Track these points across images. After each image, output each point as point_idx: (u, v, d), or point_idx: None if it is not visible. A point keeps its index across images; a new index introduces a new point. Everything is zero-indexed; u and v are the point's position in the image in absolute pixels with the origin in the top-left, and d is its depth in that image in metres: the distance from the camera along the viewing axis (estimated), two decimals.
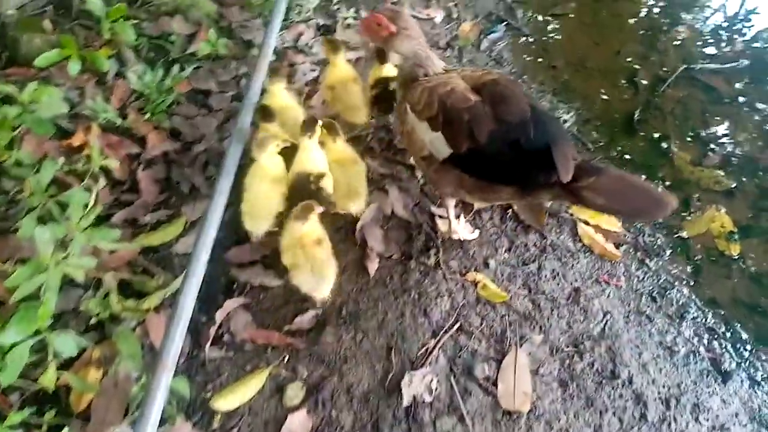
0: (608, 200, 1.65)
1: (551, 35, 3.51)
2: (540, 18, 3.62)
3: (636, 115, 3.03)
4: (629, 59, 3.38)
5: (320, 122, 2.26)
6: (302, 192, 2.11)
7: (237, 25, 3.18)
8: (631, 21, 3.65)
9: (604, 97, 3.16)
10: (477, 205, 2.46)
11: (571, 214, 2.51)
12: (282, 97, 2.52)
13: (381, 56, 2.57)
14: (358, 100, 2.52)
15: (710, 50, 3.48)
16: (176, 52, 2.95)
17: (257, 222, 2.15)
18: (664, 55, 3.41)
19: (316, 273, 1.96)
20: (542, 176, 1.67)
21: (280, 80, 2.54)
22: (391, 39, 2.07)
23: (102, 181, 2.34)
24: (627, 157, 2.86)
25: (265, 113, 2.37)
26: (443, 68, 2.13)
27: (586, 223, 2.49)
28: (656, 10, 3.77)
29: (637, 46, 3.47)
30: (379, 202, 2.44)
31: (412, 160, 2.60)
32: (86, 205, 2.19)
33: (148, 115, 2.66)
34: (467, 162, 1.84)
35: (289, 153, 2.27)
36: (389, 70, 2.55)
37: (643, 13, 3.72)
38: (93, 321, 1.99)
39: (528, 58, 3.35)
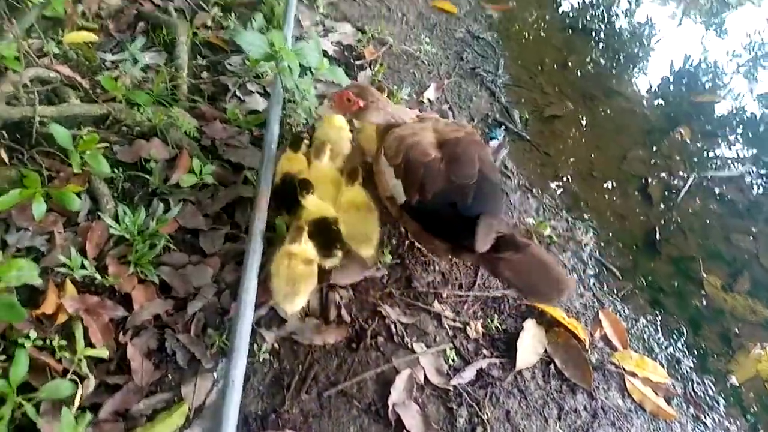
0: (514, 276, 1.84)
1: (552, 140, 3.35)
2: (537, 120, 3.46)
3: (656, 235, 2.87)
4: (636, 166, 3.25)
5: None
6: (325, 235, 2.18)
7: (221, 143, 2.86)
8: (629, 121, 3.55)
9: (619, 212, 3.00)
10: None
11: (617, 366, 2.29)
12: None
13: (296, 144, 2.52)
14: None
15: (715, 154, 3.40)
16: (156, 181, 2.59)
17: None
18: (671, 161, 3.31)
19: (292, 284, 2.04)
20: (467, 241, 1.81)
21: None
22: (361, 112, 2.29)
23: (91, 381, 1.95)
24: (655, 285, 2.69)
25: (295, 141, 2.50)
26: (417, 116, 2.35)
27: (634, 375, 2.28)
28: (651, 108, 3.69)
29: (640, 150, 3.36)
30: (410, 366, 2.16)
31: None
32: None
33: (131, 267, 2.28)
34: (414, 211, 2.04)
35: None
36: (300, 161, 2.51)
37: (638, 112, 3.63)
38: None
39: (533, 168, 3.17)
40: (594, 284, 2.64)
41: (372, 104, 2.28)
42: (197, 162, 2.61)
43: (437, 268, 2.53)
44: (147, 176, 2.59)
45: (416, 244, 2.55)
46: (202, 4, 3.64)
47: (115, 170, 2.57)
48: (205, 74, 3.28)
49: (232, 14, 3.59)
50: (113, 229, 2.35)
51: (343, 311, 2.29)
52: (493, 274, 1.93)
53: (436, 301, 2.40)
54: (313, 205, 2.27)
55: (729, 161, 3.37)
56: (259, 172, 2.52)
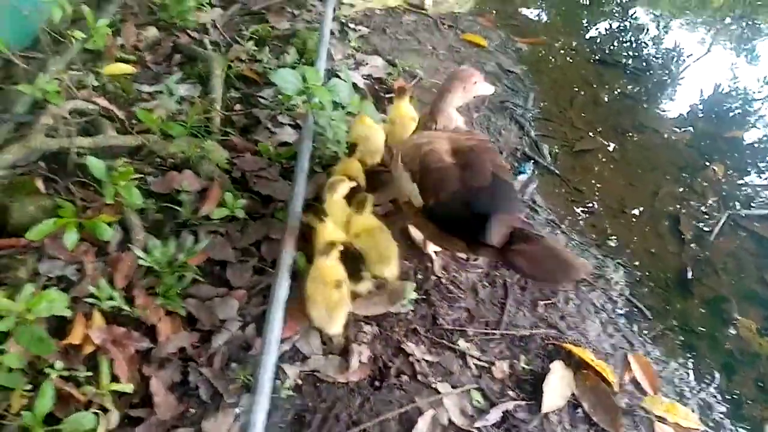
0: (529, 265, 1.90)
1: (582, 174, 3.32)
2: (567, 155, 3.43)
3: (689, 274, 2.80)
4: (668, 203, 3.20)
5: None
6: (348, 259, 2.31)
7: (251, 174, 2.90)
8: (661, 156, 3.49)
9: (651, 250, 2.94)
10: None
11: (647, 412, 2.23)
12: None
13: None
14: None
15: (749, 191, 3.32)
16: (186, 212, 2.63)
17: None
18: (704, 198, 3.24)
19: (329, 312, 2.16)
20: (483, 237, 1.91)
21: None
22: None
23: (114, 415, 1.96)
24: (687, 326, 2.62)
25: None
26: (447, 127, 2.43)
27: (663, 420, 2.21)
28: (683, 142, 3.63)
29: (673, 186, 3.31)
30: (433, 407, 2.12)
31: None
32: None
33: (159, 299, 2.31)
34: (431, 213, 2.14)
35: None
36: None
37: (671, 147, 3.57)
38: None
39: (562, 203, 3.13)
40: (624, 324, 2.58)
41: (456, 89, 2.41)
42: (229, 195, 2.64)
43: (463, 304, 2.51)
44: (177, 207, 2.62)
45: (442, 279, 2.55)
46: (237, 38, 3.73)
47: (147, 201, 2.61)
48: (238, 106, 3.34)
49: (266, 48, 3.66)
50: (142, 260, 2.39)
51: (367, 348, 2.27)
52: (509, 266, 1.99)
53: (461, 339, 2.37)
54: (332, 230, 2.40)
55: (763, 198, 3.28)
56: (288, 207, 2.54)
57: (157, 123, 2.90)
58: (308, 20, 4.07)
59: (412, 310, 2.44)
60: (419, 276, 2.58)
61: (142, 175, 2.77)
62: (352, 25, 4.07)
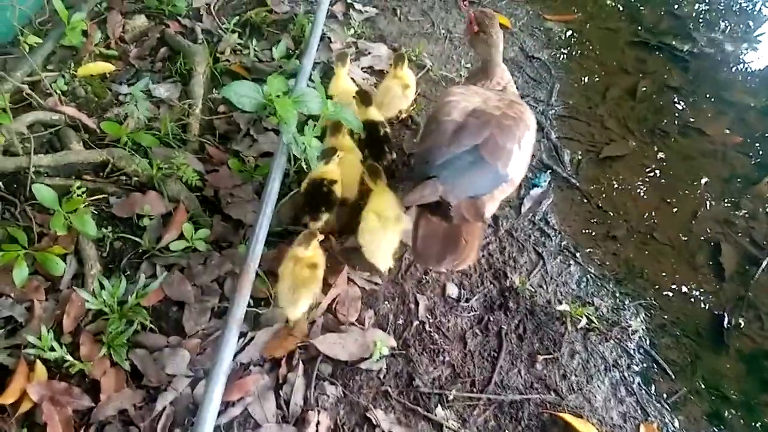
0: (421, 237, 1.91)
1: (607, 188, 2.86)
2: (592, 162, 2.96)
3: (725, 320, 2.37)
4: (709, 227, 2.71)
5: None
6: (315, 195, 2.29)
7: (225, 193, 2.61)
8: (706, 167, 2.97)
9: (681, 288, 2.50)
10: None
11: None
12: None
13: (365, 99, 2.63)
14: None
15: None
16: (147, 242, 2.39)
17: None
18: (753, 221, 2.74)
19: (293, 290, 2.02)
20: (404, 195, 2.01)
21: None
22: (474, 38, 2.35)
23: None
24: (717, 389, 2.22)
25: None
26: (498, 83, 2.37)
27: None
28: (736, 149, 3.07)
29: (717, 204, 2.80)
30: None
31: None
32: None
33: (105, 349, 2.09)
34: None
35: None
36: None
37: (719, 155, 3.03)
38: None
39: (580, 224, 2.71)
40: (639, 385, 2.20)
41: (483, 35, 2.31)
42: (188, 226, 2.38)
43: (447, 358, 2.19)
44: (137, 239, 2.38)
45: (426, 325, 2.24)
46: (230, 26, 3.39)
47: (105, 229, 2.39)
48: (221, 108, 3.04)
49: (256, 37, 3.32)
50: (89, 303, 2.17)
51: (327, 415, 1.99)
52: (414, 225, 1.96)
53: (439, 405, 2.07)
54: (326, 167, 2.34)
55: None
56: (250, 240, 2.25)
57: (124, 133, 2.64)
58: (312, 1, 3.67)
59: (386, 367, 2.14)
60: (399, 321, 2.26)
61: (106, 195, 2.54)
62: (358, 6, 3.65)
